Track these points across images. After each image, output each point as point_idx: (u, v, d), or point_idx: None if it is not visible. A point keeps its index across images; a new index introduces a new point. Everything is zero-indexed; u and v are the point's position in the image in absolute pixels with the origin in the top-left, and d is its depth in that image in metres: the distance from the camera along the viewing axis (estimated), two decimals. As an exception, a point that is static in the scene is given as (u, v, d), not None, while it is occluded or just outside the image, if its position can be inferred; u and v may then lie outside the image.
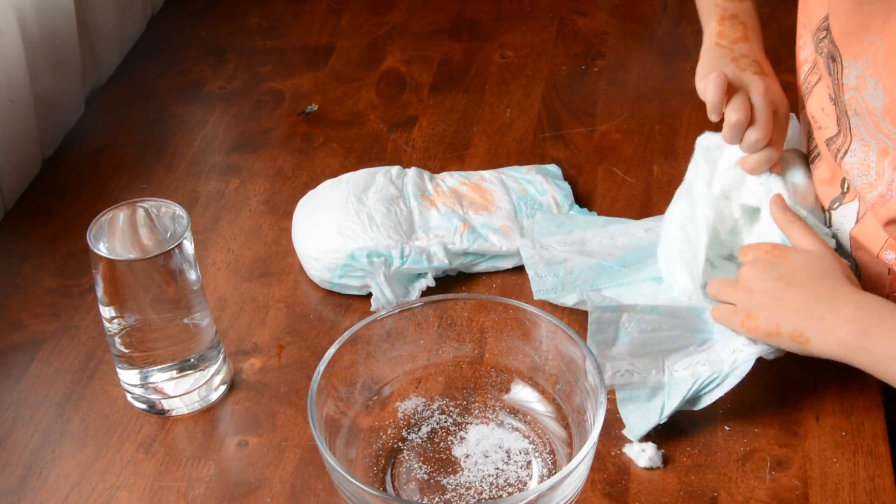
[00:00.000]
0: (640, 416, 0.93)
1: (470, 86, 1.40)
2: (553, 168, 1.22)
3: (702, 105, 1.02)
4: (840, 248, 1.01)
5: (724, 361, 0.94)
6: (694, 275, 1.00)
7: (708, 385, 0.93)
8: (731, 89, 0.99)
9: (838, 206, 1.01)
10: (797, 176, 1.04)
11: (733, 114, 0.98)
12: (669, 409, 0.93)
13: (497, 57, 1.46)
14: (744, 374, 0.92)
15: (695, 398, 0.94)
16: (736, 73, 1.01)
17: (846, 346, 0.87)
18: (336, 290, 1.09)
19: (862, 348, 0.86)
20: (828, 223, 1.03)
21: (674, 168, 1.24)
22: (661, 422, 0.93)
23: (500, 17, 1.54)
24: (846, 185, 1.00)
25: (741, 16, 1.06)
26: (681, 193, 1.07)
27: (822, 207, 1.04)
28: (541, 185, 1.17)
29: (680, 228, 1.03)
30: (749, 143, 0.98)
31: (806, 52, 1.05)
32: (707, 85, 0.99)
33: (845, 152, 0.97)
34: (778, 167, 1.02)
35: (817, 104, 1.01)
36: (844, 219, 1.00)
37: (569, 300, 1.03)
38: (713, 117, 0.99)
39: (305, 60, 1.46)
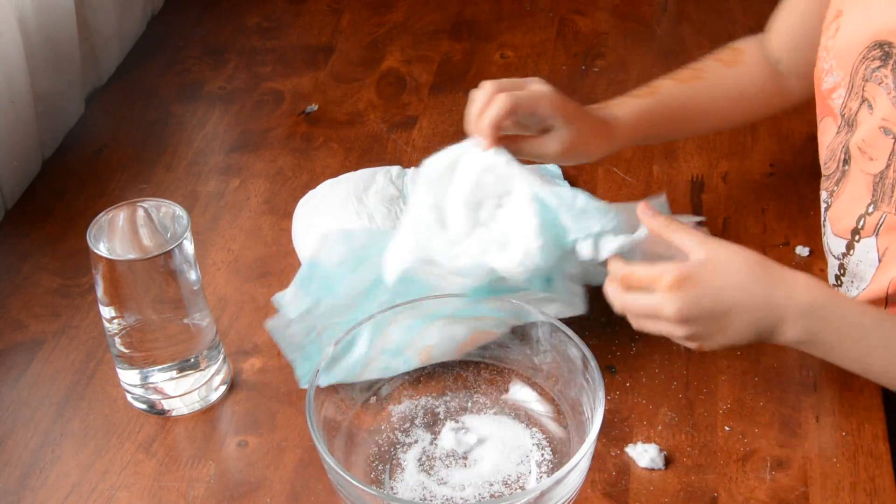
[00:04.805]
0: None
1: (470, 86, 1.38)
2: (553, 168, 1.22)
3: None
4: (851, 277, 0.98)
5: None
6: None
7: None
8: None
9: (859, 240, 0.97)
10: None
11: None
12: None
13: (497, 57, 1.46)
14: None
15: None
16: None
17: (808, 330, 0.86)
18: (336, 290, 1.09)
19: (823, 319, 0.86)
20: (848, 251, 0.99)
21: (674, 168, 1.23)
22: None
23: (500, 17, 1.54)
24: (861, 221, 0.96)
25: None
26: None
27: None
28: (541, 185, 1.17)
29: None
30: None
31: (835, 77, 0.97)
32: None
33: None
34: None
35: (862, 134, 0.93)
36: (867, 255, 0.96)
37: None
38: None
39: (305, 60, 1.46)
